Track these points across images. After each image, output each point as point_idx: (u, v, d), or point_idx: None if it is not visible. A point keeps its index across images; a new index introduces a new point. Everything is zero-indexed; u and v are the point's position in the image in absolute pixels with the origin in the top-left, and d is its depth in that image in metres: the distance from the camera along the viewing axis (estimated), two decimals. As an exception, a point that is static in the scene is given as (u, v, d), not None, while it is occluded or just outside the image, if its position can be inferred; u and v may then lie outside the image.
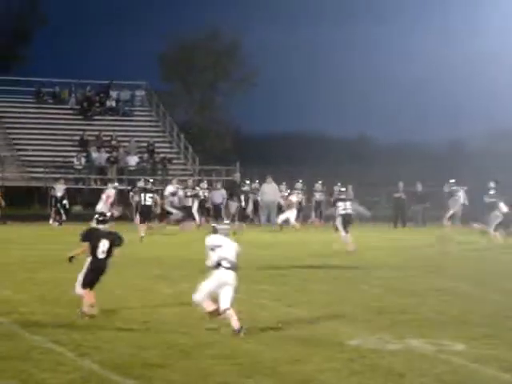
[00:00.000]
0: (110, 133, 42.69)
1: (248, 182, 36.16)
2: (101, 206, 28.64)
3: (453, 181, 30.65)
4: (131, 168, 40.65)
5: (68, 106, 44.87)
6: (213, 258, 10.91)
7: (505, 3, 61.90)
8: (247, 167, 39.94)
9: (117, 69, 73.63)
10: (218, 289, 10.85)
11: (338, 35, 76.88)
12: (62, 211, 33.06)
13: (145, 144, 42.54)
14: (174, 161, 42.66)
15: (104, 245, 11.77)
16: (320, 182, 37.39)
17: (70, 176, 38.96)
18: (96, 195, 37.17)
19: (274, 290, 14.69)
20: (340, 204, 23.18)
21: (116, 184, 32.41)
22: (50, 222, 32.96)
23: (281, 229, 31.36)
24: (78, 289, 11.94)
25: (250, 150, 52.82)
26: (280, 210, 34.15)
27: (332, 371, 8.84)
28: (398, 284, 15.72)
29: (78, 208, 37.65)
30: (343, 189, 28.12)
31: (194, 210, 33.30)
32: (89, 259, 11.88)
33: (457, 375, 8.78)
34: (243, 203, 34.20)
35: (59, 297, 13.36)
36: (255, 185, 36.29)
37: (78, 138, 41.98)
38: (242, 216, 32.16)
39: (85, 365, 9.06)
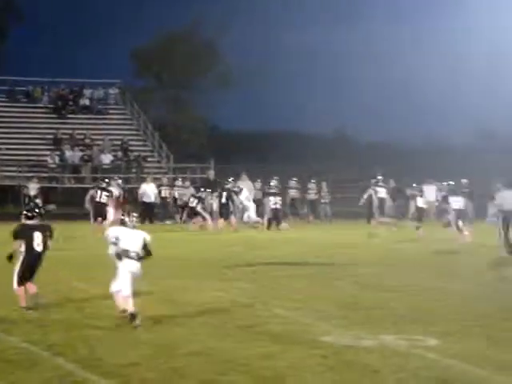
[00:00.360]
0: (84, 131, 42.53)
1: (231, 179, 35.81)
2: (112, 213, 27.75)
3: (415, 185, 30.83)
4: (105, 166, 40.52)
5: (41, 105, 44.66)
6: (112, 249, 11.38)
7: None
8: (222, 165, 39.90)
9: (90, 67, 73.24)
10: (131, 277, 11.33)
11: (320, 35, 77.00)
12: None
13: (119, 142, 42.42)
14: (149, 159, 42.58)
15: (38, 237, 12.31)
16: (295, 179, 37.42)
17: (44, 175, 38.77)
18: (70, 194, 37.10)
19: (248, 287, 14.70)
20: (271, 199, 24.78)
21: (119, 181, 31.61)
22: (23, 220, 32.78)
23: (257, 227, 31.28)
24: (15, 286, 12.28)
25: (225, 148, 52.78)
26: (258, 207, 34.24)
27: (306, 367, 8.86)
28: (373, 280, 15.78)
29: (51, 207, 37.43)
30: (272, 183, 30.55)
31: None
32: (21, 256, 12.23)
33: (432, 371, 8.82)
34: (223, 200, 34.00)
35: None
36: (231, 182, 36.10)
37: (51, 136, 41.79)
38: (224, 213, 32.00)
39: (60, 364, 9.03)
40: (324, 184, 37.42)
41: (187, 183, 35.30)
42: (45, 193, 35.31)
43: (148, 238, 11.54)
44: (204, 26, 58.48)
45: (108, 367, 8.87)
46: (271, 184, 31.35)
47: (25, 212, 12.87)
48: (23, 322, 11.25)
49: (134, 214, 11.80)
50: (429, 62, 66.69)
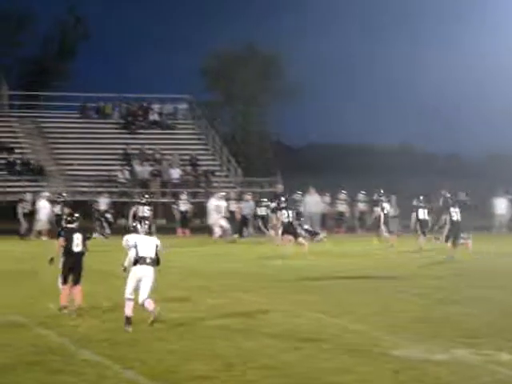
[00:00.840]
0: (153, 146, 42.98)
1: (299, 193, 35.67)
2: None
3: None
4: (174, 181, 40.86)
5: (112, 121, 45.28)
6: (130, 255, 12.47)
7: None
8: (288, 178, 39.92)
9: (160, 82, 74.12)
10: (138, 283, 12.29)
11: (378, 47, 76.69)
12: (105, 224, 33.32)
13: (187, 157, 42.75)
14: (217, 173, 42.82)
15: (78, 238, 13.54)
16: (363, 192, 37.24)
17: (115, 190, 39.26)
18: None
19: (316, 300, 14.67)
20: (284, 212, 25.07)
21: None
22: (95, 235, 33.22)
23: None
24: (59, 284, 13.52)
25: (291, 161, 52.81)
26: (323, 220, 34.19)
27: (378, 381, 8.82)
28: (440, 293, 15.61)
29: (123, 221, 37.91)
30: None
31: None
32: (62, 257, 13.51)
33: (503, 385, 8.71)
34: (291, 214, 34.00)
35: (104, 310, 13.49)
36: (298, 196, 35.99)
37: (121, 151, 42.32)
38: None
39: (129, 377, 9.11)
40: (393, 197, 37.13)
41: (248, 197, 35.26)
42: (117, 207, 35.79)
43: (160, 244, 12.55)
44: (269, 42, 58.80)
45: (181, 381, 8.91)
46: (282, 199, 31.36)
47: (64, 217, 14.50)
48: (94, 336, 11.40)
49: (146, 222, 12.97)
50: (500, 73, 65.72)
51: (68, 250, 13.45)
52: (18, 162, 39.25)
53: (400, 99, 72.42)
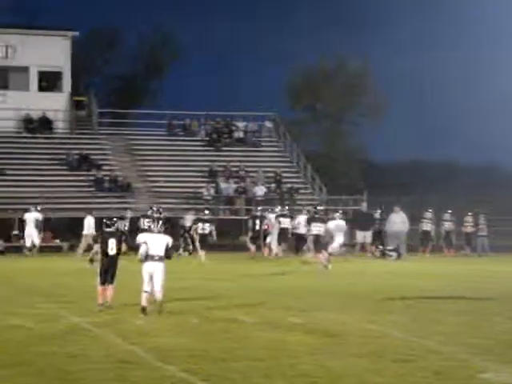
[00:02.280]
0: (238, 163, 43.27)
1: (379, 211, 35.45)
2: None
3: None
4: (259, 198, 41.02)
5: (198, 138, 45.76)
6: (141, 251, 14.32)
7: None
8: (374, 196, 39.68)
9: (244, 99, 74.63)
10: (150, 278, 14.26)
11: (466, 59, 75.75)
12: (189, 241, 33.61)
13: (272, 174, 42.90)
14: (302, 190, 42.82)
15: (112, 242, 14.90)
16: (449, 211, 36.81)
17: (200, 206, 39.62)
18: (225, 225, 37.69)
19: (404, 320, 14.52)
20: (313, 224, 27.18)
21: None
22: (180, 251, 33.55)
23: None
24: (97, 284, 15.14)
25: (378, 180, 52.47)
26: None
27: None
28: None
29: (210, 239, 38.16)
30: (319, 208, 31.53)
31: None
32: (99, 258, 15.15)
33: None
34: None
35: (192, 326, 13.60)
36: (380, 214, 35.57)
37: (207, 168, 42.72)
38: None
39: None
40: (482, 216, 36.58)
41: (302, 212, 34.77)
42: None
43: (171, 241, 14.43)
44: (350, 59, 58.73)
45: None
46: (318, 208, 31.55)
47: (104, 221, 15.52)
48: (181, 351, 11.48)
49: (160, 222, 15.04)
50: None
51: (104, 253, 14.98)
52: (106, 178, 39.97)
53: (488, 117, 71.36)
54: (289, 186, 42.54)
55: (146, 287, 14.35)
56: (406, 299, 17.63)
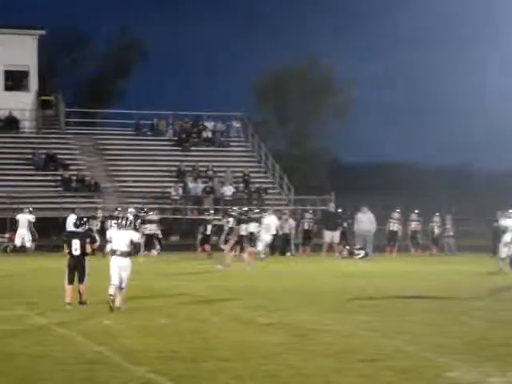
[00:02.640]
0: (206, 163, 43.24)
1: (340, 210, 35.76)
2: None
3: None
4: (227, 198, 41.02)
5: (166, 138, 45.65)
6: (107, 247, 15.34)
7: None
8: (342, 197, 39.83)
9: (212, 99, 74.60)
10: (117, 272, 14.70)
11: (436, 60, 76.33)
12: (155, 241, 33.48)
13: (240, 174, 42.92)
14: (270, 190, 42.89)
15: (76, 243, 15.26)
16: (416, 211, 37.04)
17: (168, 206, 39.54)
18: (192, 225, 37.67)
19: (372, 319, 14.58)
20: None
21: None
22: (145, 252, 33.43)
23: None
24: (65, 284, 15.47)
25: (345, 180, 52.68)
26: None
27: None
28: (501, 316, 15.38)
29: (174, 238, 38.17)
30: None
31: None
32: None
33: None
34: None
35: (160, 326, 13.56)
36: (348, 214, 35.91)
37: (175, 168, 42.64)
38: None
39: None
40: (449, 217, 36.85)
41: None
42: (168, 224, 36.04)
43: (136, 237, 14.98)
44: (320, 60, 58.89)
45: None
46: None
47: (74, 221, 16.06)
48: (147, 352, 11.44)
49: (129, 217, 15.24)
50: None
51: (69, 253, 15.37)
52: (74, 178, 39.76)
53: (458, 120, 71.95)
54: (257, 185, 42.60)
55: (114, 281, 14.79)
56: (374, 299, 17.71)
